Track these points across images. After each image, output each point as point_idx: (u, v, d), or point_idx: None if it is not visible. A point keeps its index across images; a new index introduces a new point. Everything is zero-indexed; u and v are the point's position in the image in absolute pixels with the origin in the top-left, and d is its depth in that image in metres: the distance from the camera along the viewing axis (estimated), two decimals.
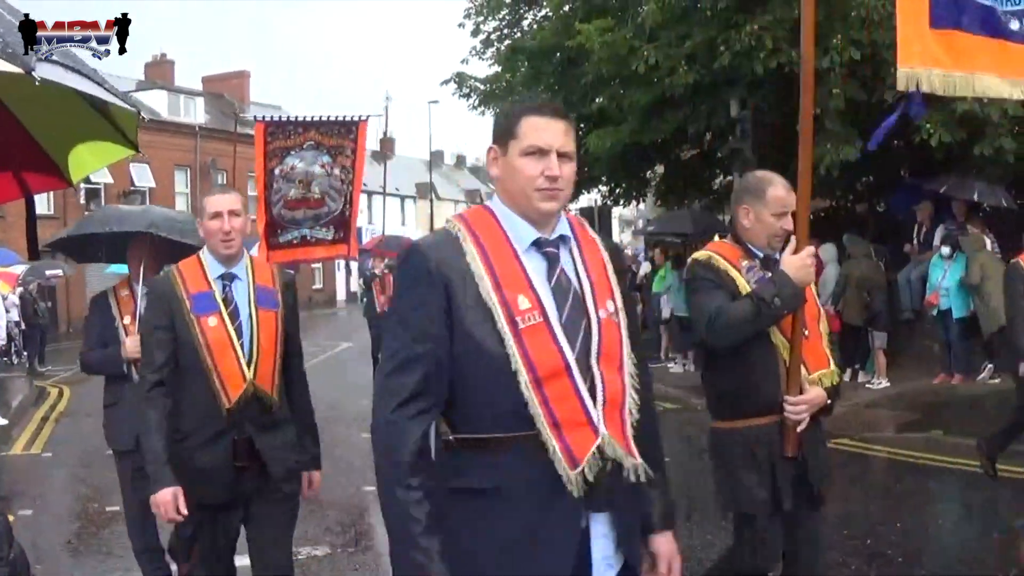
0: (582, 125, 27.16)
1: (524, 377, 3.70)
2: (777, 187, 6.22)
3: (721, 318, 5.87)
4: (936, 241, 19.37)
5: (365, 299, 27.91)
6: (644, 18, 21.11)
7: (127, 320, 8.65)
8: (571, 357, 3.77)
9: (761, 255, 6.18)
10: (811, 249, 5.96)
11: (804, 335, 5.95)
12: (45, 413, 22.25)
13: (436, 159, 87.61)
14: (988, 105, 17.17)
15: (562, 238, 4.02)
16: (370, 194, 68.67)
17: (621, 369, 4.00)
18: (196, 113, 58.44)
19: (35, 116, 5.11)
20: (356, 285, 74.46)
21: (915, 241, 20.59)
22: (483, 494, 3.76)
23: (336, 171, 19.42)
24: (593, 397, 3.80)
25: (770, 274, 5.88)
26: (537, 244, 3.91)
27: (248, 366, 6.16)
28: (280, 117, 20.15)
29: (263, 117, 19.55)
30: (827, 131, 18.58)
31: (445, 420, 3.86)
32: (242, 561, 6.81)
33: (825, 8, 18.08)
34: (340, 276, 76.08)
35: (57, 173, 5.62)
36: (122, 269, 29.64)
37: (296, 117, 19.59)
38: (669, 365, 24.66)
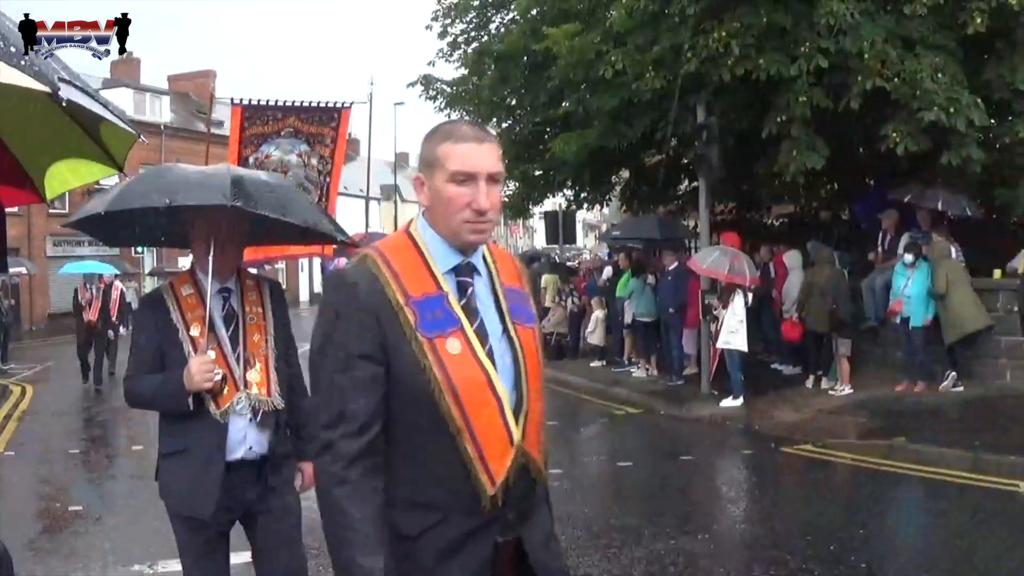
0: (548, 129, 27.21)
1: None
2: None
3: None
4: (900, 249, 19.43)
5: None
6: (612, 23, 21.14)
7: (195, 330, 5.97)
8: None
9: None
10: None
11: None
12: (8, 411, 22.07)
13: (401, 161, 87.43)
14: (954, 115, 17.28)
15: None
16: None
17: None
18: (162, 112, 58.20)
19: (14, 131, 5.07)
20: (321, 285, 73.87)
21: (879, 249, 20.65)
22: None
23: (313, 161, 18.40)
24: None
25: None
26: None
27: (516, 421, 3.77)
28: (260, 101, 18.83)
29: (240, 100, 18.26)
30: (793, 138, 18.64)
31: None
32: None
33: (793, 15, 18.18)
34: (303, 277, 75.16)
35: (32, 188, 5.56)
36: (101, 268, 28.75)
37: (277, 101, 18.53)
38: (632, 370, 24.67)
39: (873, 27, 17.92)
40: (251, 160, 17.50)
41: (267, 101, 18.65)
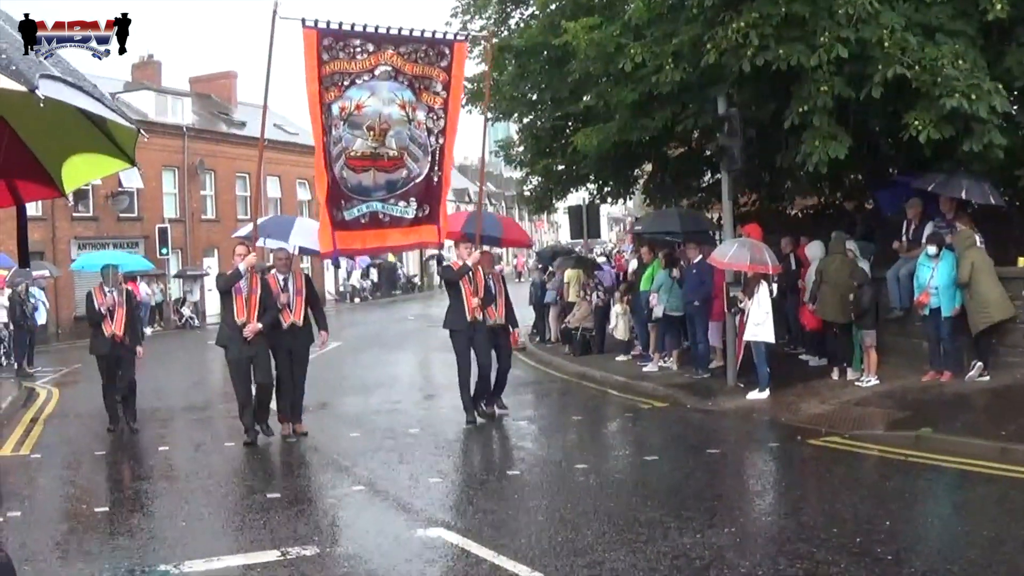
0: (569, 123, 27.19)
1: None
2: None
3: None
4: (924, 239, 19.32)
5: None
6: (630, 16, 21.06)
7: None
8: None
9: None
10: None
11: None
12: (34, 415, 22.09)
13: None
14: (975, 101, 17.17)
15: None
16: None
17: None
18: (184, 113, 58.25)
19: (31, 126, 5.06)
20: (346, 281, 73.05)
21: (904, 238, 20.53)
22: None
23: (420, 115, 16.23)
24: None
25: None
26: None
27: None
28: (339, 25, 15.72)
29: (315, 22, 15.40)
30: (815, 128, 18.55)
31: None
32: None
33: (811, 4, 18.08)
34: (327, 273, 72.37)
35: (50, 183, 5.55)
36: (123, 260, 27.90)
37: (364, 27, 15.79)
38: (646, 365, 24.50)
39: (893, 15, 17.84)
40: (335, 110, 15.65)
41: (351, 26, 15.79)
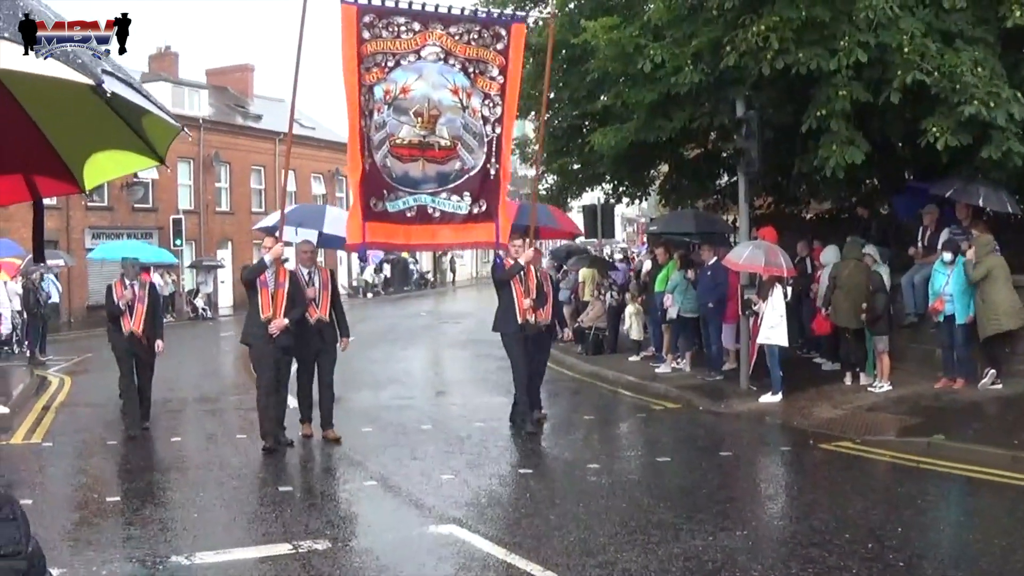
0: (586, 122, 27.15)
1: None
2: None
3: None
4: (939, 245, 19.32)
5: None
6: (650, 16, 21.06)
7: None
8: None
9: None
10: None
11: None
12: (46, 403, 22.08)
13: None
14: (994, 109, 17.15)
15: None
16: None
17: None
18: (200, 106, 58.25)
19: (54, 121, 5.05)
20: (361, 275, 72.46)
21: (919, 244, 20.53)
22: None
23: (475, 102, 15.12)
24: None
25: None
26: None
27: None
28: (382, 1, 14.53)
29: None
30: (833, 133, 18.54)
31: None
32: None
33: (832, 9, 18.07)
34: (340, 267, 72.05)
35: (70, 179, 5.53)
36: (144, 252, 26.99)
37: (409, 3, 14.60)
38: (658, 366, 24.48)
39: (912, 20, 17.83)
40: (377, 92, 14.63)
41: (395, 2, 14.60)
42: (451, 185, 15.08)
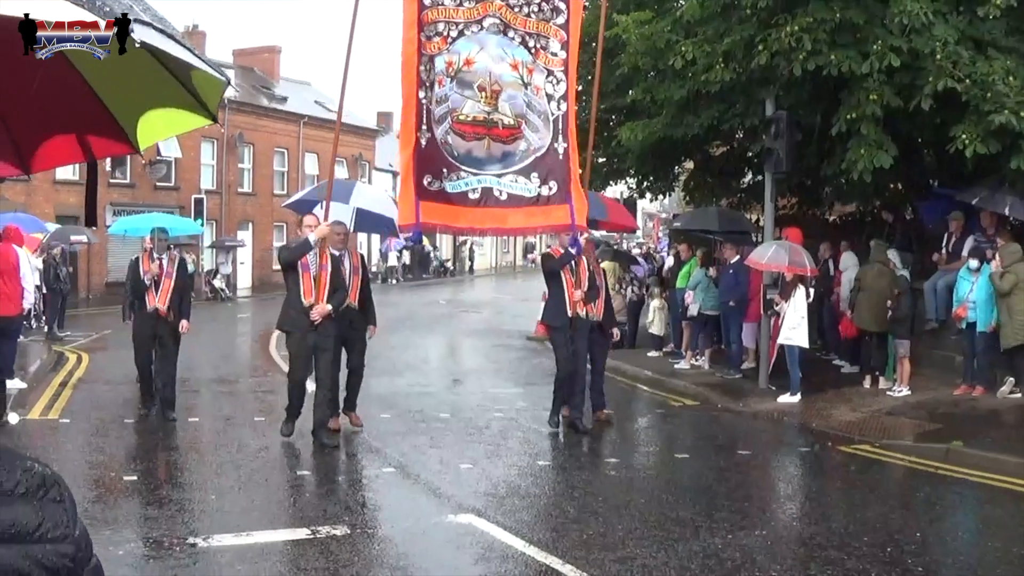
0: (613, 116, 27.14)
1: None
2: None
3: None
4: (965, 252, 19.31)
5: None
6: (683, 12, 21.05)
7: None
8: None
9: None
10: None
11: None
12: (63, 379, 22.02)
13: None
14: None
15: None
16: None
17: None
18: None
19: (106, 80, 5.04)
20: (384, 262, 72.43)
21: (944, 251, 20.52)
22: None
23: (538, 79, 14.36)
24: None
25: None
26: None
27: None
28: None
29: None
30: (862, 136, 18.51)
31: None
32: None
33: (865, 13, 18.04)
34: (361, 251, 71.75)
35: (124, 138, 5.49)
36: (175, 223, 26.18)
37: None
38: (678, 363, 24.47)
39: (946, 27, 17.80)
40: (439, 64, 14.00)
41: None
42: (517, 166, 14.37)
